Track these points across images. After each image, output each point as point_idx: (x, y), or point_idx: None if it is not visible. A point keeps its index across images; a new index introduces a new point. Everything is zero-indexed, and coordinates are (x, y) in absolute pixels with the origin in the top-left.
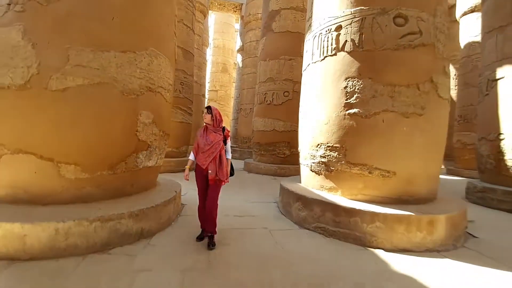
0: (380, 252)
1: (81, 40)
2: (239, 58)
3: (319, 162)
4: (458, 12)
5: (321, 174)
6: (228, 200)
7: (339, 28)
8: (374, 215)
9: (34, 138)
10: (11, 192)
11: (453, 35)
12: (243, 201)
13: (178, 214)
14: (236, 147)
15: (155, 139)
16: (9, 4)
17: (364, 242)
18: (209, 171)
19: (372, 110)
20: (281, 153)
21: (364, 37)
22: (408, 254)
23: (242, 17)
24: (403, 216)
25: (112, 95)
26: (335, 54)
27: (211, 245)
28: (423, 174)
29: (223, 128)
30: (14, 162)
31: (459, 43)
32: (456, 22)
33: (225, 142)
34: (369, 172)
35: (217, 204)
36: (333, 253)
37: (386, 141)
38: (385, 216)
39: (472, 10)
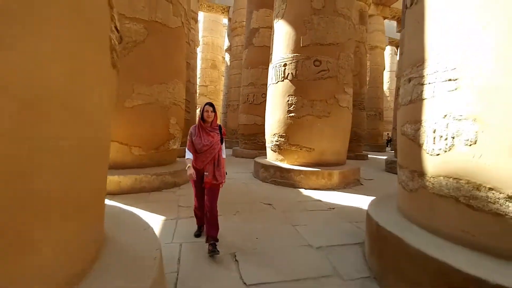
0: (301, 190)
1: (139, 79)
2: (227, 56)
3: (275, 145)
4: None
5: (276, 152)
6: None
7: (285, 65)
8: (300, 171)
9: (117, 132)
10: None
11: None
12: (231, 172)
13: None
14: (227, 138)
15: (177, 132)
16: None
17: (294, 186)
18: (206, 173)
19: (301, 114)
20: (260, 142)
21: (297, 72)
22: (317, 190)
23: (229, 19)
24: (314, 171)
25: (156, 108)
26: (283, 80)
27: (216, 252)
28: (330, 150)
29: (219, 127)
30: None
31: None
32: None
33: (222, 141)
34: (300, 149)
35: (216, 205)
36: (277, 190)
37: (308, 131)
38: (305, 171)
39: None
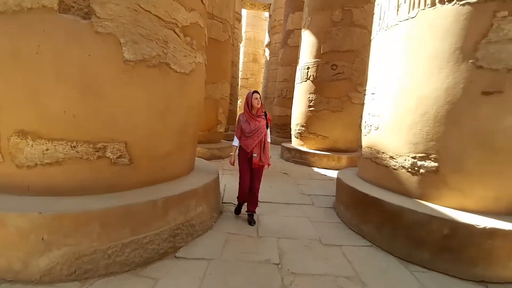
0: (314, 168)
1: None
2: (267, 51)
3: (297, 132)
4: None
5: (298, 138)
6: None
7: (308, 68)
8: (315, 154)
9: None
10: None
11: None
12: None
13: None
14: None
15: (223, 119)
16: None
17: (310, 165)
18: (254, 155)
19: (319, 108)
20: (290, 131)
21: (317, 74)
22: (327, 169)
23: (270, 16)
24: (326, 154)
25: (209, 101)
26: (306, 81)
27: (252, 222)
28: (342, 138)
29: (265, 113)
30: None
31: None
32: None
33: (267, 126)
34: (317, 137)
35: (259, 185)
36: (294, 166)
37: (324, 123)
38: (319, 154)
39: None
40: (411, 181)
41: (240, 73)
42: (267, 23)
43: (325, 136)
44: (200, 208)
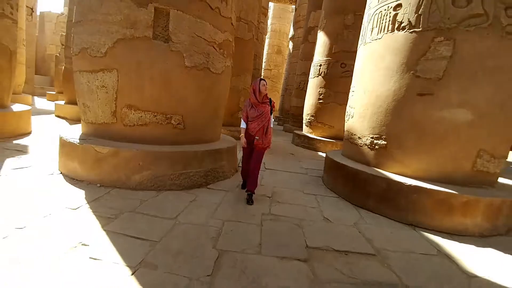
0: (320, 152)
1: None
2: (290, 44)
3: (307, 121)
4: None
5: (308, 126)
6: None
7: (320, 65)
8: (321, 140)
9: None
10: None
11: None
12: (278, 140)
13: None
14: (282, 117)
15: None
16: None
17: (316, 150)
18: (256, 137)
19: (327, 101)
20: None
21: (328, 71)
22: None
23: (296, 10)
24: (331, 141)
25: (233, 91)
26: (317, 76)
27: (250, 202)
28: None
29: (270, 100)
30: None
31: None
32: None
33: (271, 112)
34: (324, 126)
35: (259, 167)
36: (301, 150)
37: (331, 114)
38: (324, 141)
39: None
40: (370, 154)
41: (263, 64)
42: (293, 15)
43: (331, 126)
44: (223, 162)
